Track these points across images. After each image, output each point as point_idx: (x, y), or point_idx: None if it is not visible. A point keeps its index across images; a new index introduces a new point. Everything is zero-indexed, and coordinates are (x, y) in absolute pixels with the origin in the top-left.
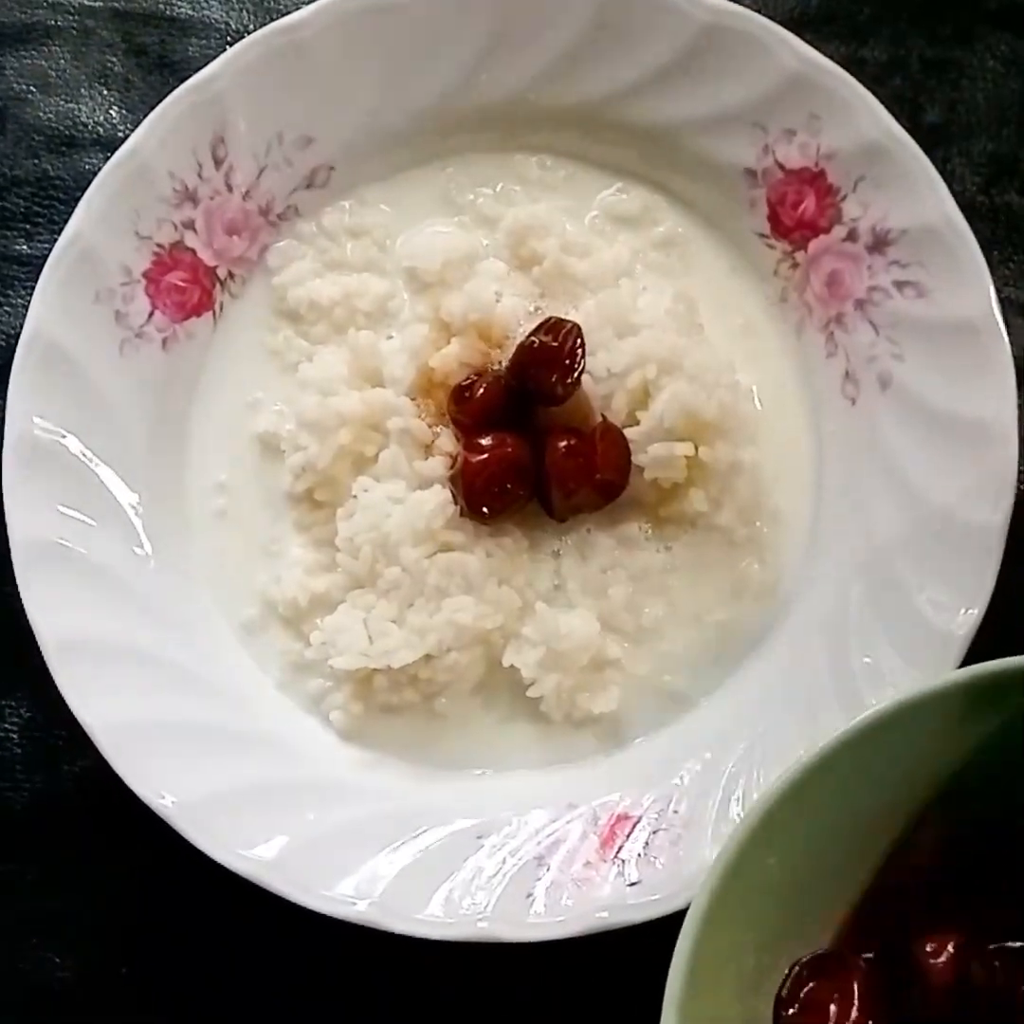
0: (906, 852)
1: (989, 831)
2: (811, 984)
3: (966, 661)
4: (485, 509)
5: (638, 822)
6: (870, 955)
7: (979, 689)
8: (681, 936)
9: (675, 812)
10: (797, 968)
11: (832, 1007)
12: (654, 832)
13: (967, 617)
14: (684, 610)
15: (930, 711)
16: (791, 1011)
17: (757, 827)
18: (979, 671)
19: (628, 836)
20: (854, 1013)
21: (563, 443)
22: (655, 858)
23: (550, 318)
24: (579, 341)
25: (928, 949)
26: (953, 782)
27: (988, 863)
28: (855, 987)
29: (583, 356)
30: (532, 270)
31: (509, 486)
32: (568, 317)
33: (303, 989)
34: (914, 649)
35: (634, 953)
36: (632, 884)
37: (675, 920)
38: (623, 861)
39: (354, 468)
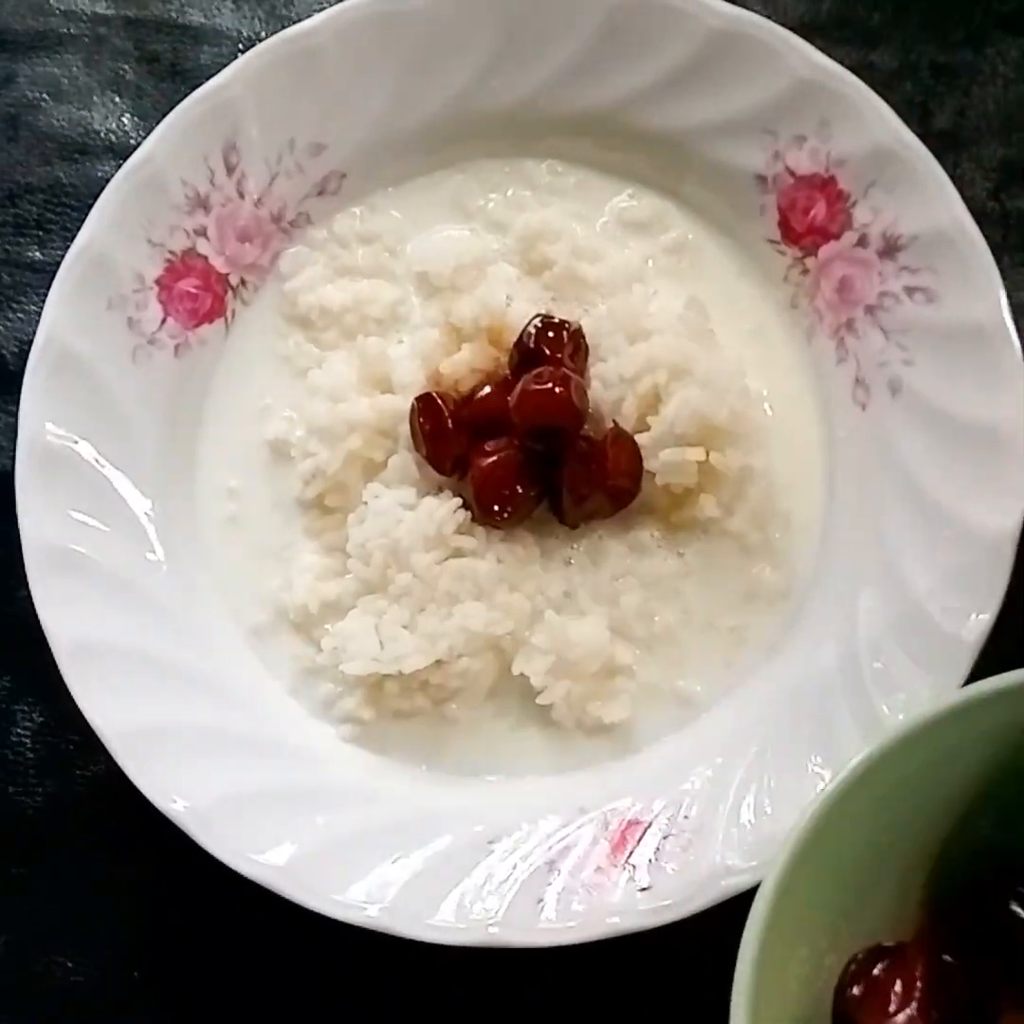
0: (968, 847)
1: None
2: (875, 969)
3: (977, 666)
4: (496, 511)
5: (649, 827)
6: (941, 950)
7: None
8: (745, 935)
9: (686, 817)
10: (860, 955)
11: (893, 993)
12: (665, 837)
13: (978, 622)
14: (696, 616)
15: (1001, 705)
16: (852, 992)
17: (822, 820)
18: None
19: (639, 841)
20: (917, 996)
21: (576, 448)
22: (666, 864)
23: (545, 320)
24: (579, 341)
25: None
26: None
27: None
28: (918, 976)
29: (585, 358)
30: (543, 275)
31: (519, 489)
32: (579, 321)
33: (314, 992)
34: (925, 654)
35: (643, 956)
36: (643, 889)
37: (684, 925)
38: (634, 866)
39: (364, 474)
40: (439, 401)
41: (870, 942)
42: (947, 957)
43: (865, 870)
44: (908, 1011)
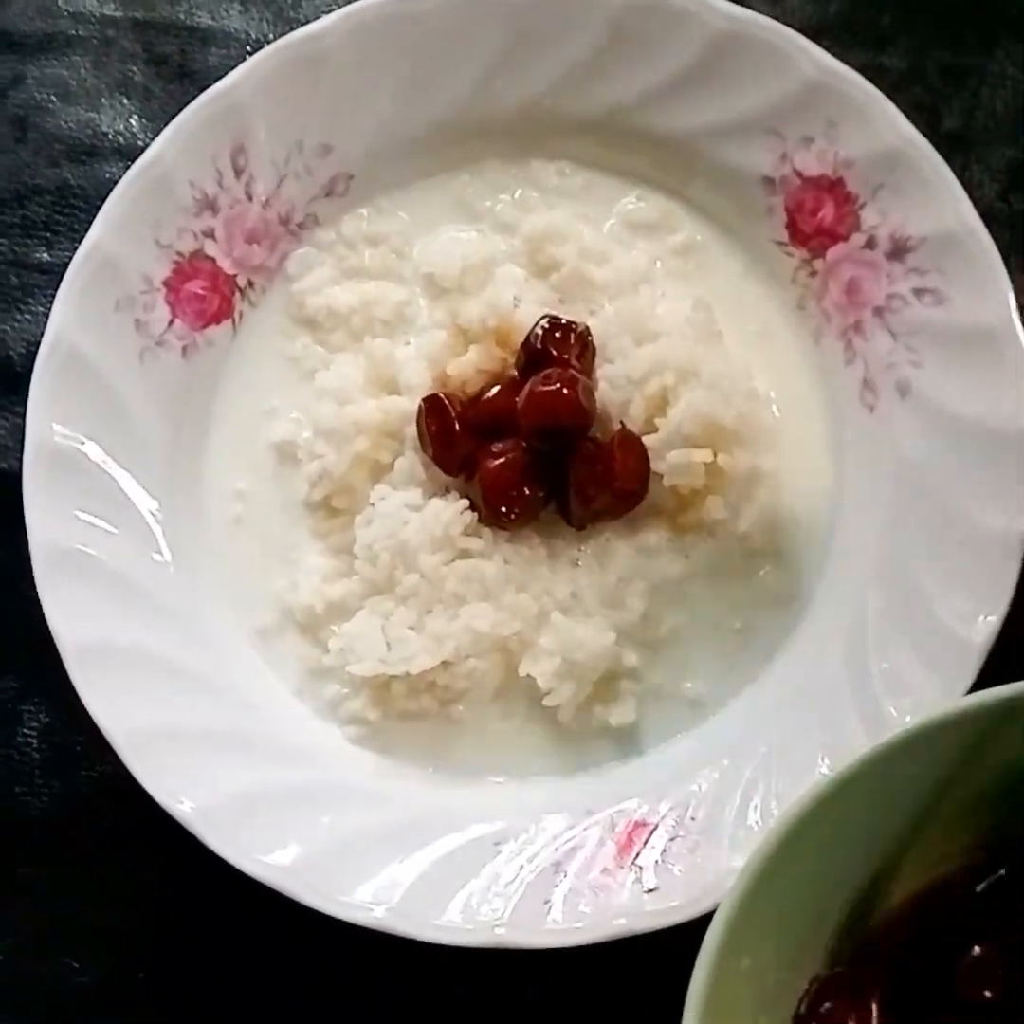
0: (933, 870)
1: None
2: (829, 1003)
3: (985, 668)
4: (504, 512)
5: (656, 829)
6: (891, 973)
7: (1007, 709)
8: (702, 950)
9: (692, 819)
10: (816, 986)
11: None
12: (672, 839)
13: (986, 624)
14: (703, 618)
15: (959, 728)
16: None
17: (782, 841)
18: (1007, 693)
19: (646, 843)
20: None
21: (583, 450)
22: (672, 865)
23: (552, 320)
24: (586, 341)
25: (961, 968)
26: (982, 798)
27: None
28: (874, 1007)
29: (593, 359)
30: (550, 276)
31: (527, 490)
32: (587, 323)
33: (318, 992)
34: (933, 656)
35: (644, 955)
36: (650, 891)
37: (688, 926)
38: (641, 868)
39: (371, 476)
40: (446, 402)
41: (825, 964)
42: (898, 983)
43: (824, 892)
44: None
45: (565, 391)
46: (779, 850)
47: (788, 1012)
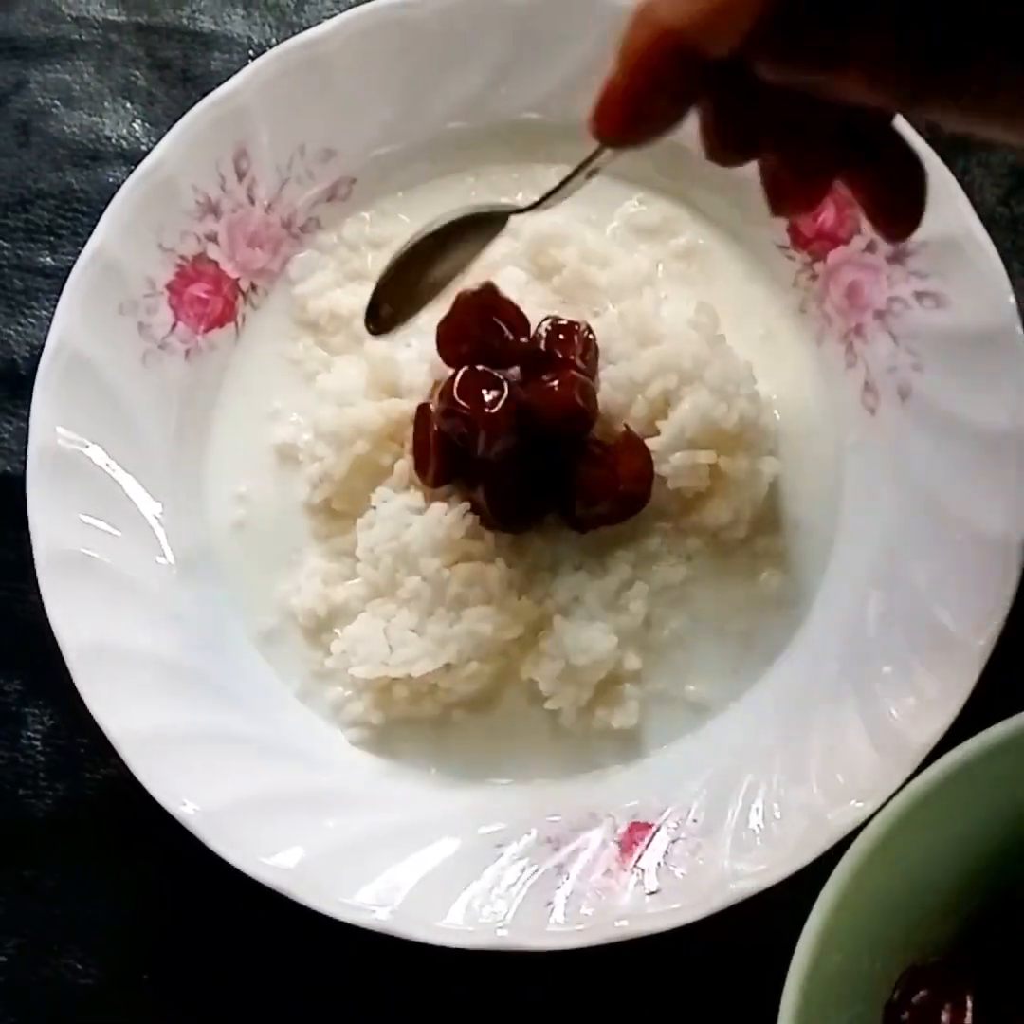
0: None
1: None
2: (923, 992)
3: (986, 671)
4: (509, 515)
5: (658, 831)
6: (986, 967)
7: None
8: (801, 941)
9: (694, 821)
10: (909, 975)
11: (944, 1017)
12: (673, 841)
13: (987, 627)
14: (705, 621)
15: None
16: (902, 1018)
17: (889, 829)
18: None
19: (648, 845)
20: (966, 1021)
21: (587, 453)
22: (674, 867)
23: (555, 322)
24: (589, 341)
25: None
26: None
27: None
28: (968, 999)
29: (596, 359)
30: (552, 279)
31: (531, 495)
32: (587, 322)
33: (321, 993)
34: (934, 659)
35: (645, 958)
36: (651, 893)
37: (689, 927)
38: (643, 870)
39: (372, 478)
40: (432, 413)
41: (919, 959)
42: (994, 974)
43: (917, 886)
44: None
45: (567, 391)
46: (876, 847)
47: (882, 1001)
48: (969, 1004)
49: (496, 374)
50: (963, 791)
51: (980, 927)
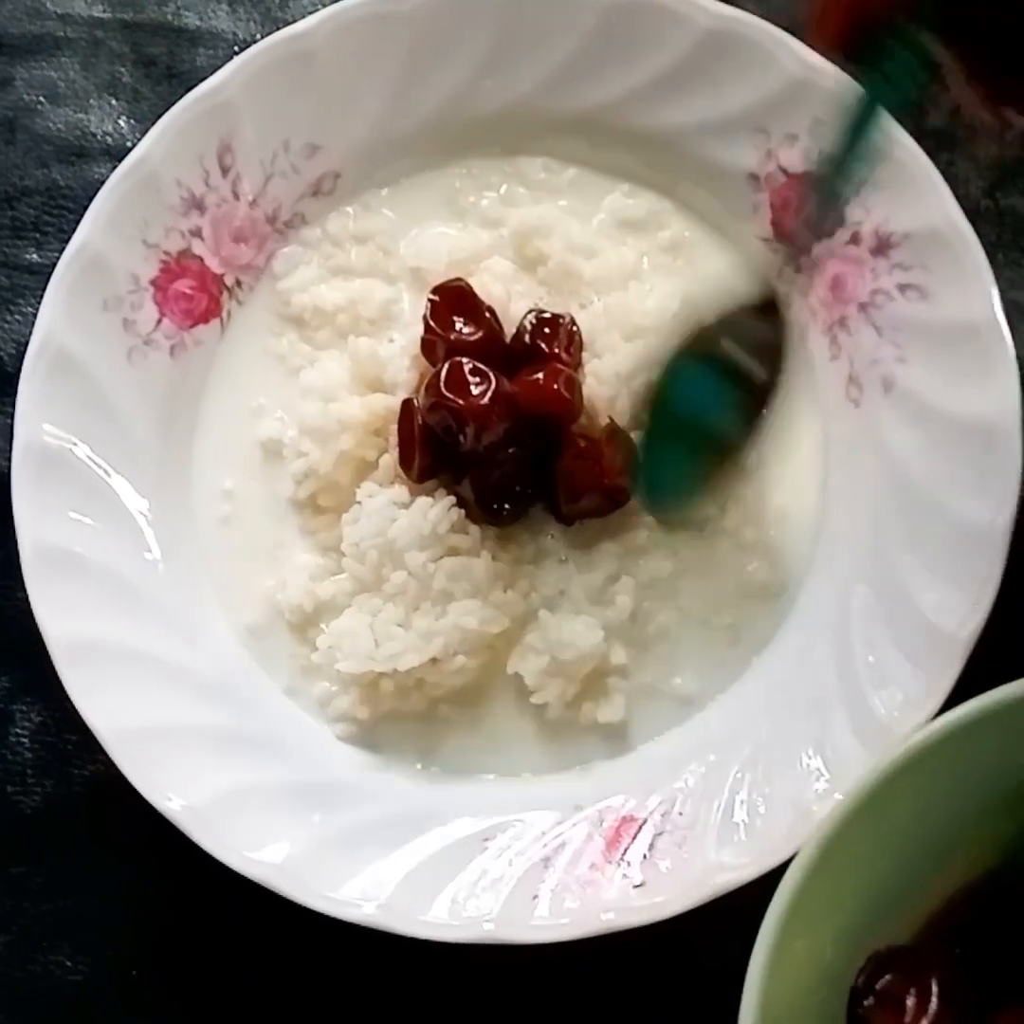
0: (995, 854)
1: None
2: (887, 977)
3: (970, 662)
4: (496, 508)
5: (643, 824)
6: (950, 953)
7: None
8: (765, 923)
9: (680, 814)
10: (874, 960)
11: (908, 1001)
12: (659, 834)
13: (971, 618)
14: (692, 614)
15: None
16: (866, 1003)
17: (851, 814)
18: None
19: (634, 838)
20: (932, 1009)
21: (572, 446)
22: (660, 860)
23: (539, 315)
24: (573, 333)
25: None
26: None
27: None
28: (933, 984)
29: (580, 351)
30: (537, 270)
31: (517, 489)
32: (573, 316)
33: (313, 989)
34: (918, 650)
35: (636, 953)
36: (637, 886)
37: (676, 921)
38: (628, 863)
39: (357, 473)
40: (416, 408)
41: (884, 942)
42: (957, 956)
43: (882, 870)
44: (924, 1021)
45: (550, 382)
46: (850, 818)
47: (846, 986)
48: (935, 989)
49: (482, 366)
50: (927, 774)
51: (945, 913)
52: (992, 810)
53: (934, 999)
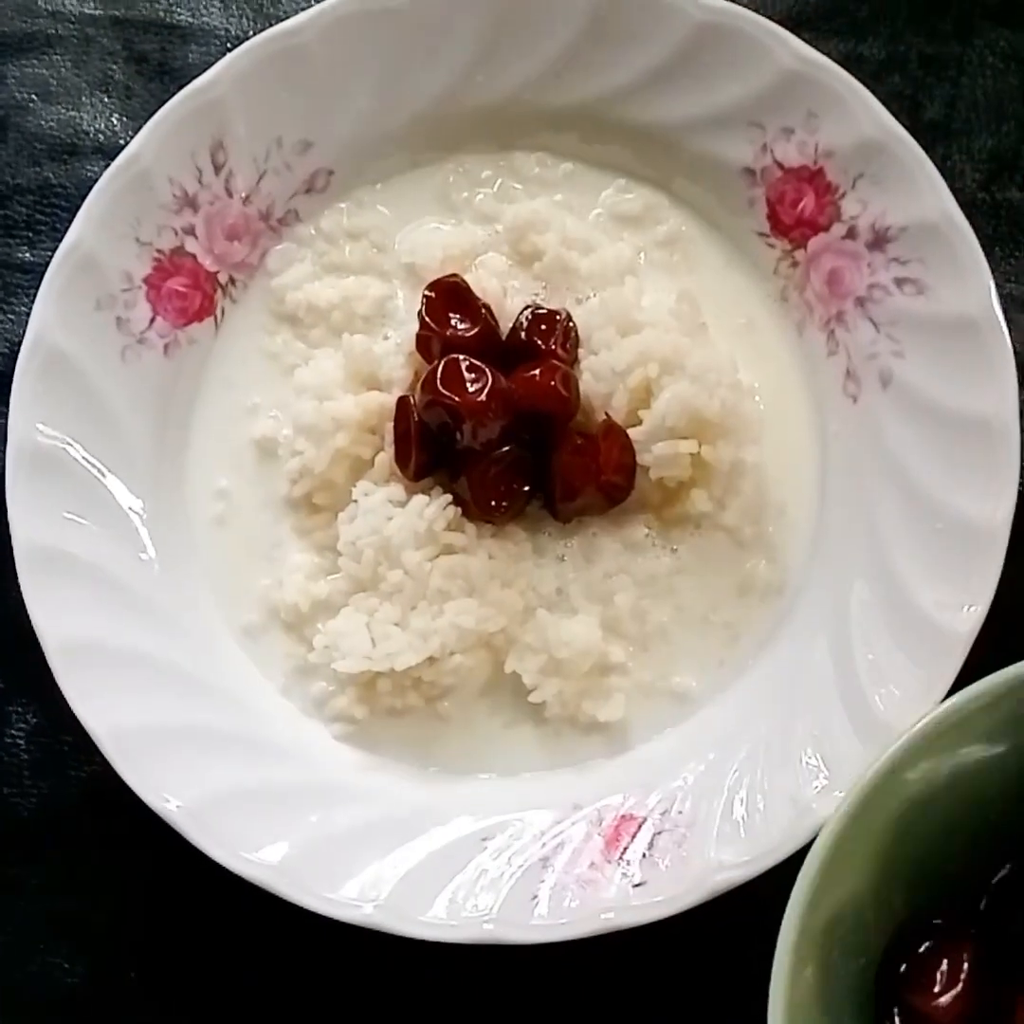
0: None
1: None
2: (921, 948)
3: (969, 659)
4: (493, 506)
5: (643, 823)
6: (982, 929)
7: None
8: (791, 901)
9: (679, 813)
10: (906, 934)
11: (939, 973)
12: (658, 833)
13: (970, 614)
14: (691, 612)
15: None
16: (899, 972)
17: (871, 792)
18: None
19: (633, 837)
20: (962, 981)
21: (569, 443)
22: (659, 859)
23: (535, 311)
24: (569, 329)
25: None
26: None
27: None
28: (964, 958)
29: (576, 347)
30: (533, 265)
31: (514, 486)
32: (571, 313)
33: (310, 989)
34: (917, 647)
35: (636, 951)
36: (637, 885)
37: (677, 920)
38: (628, 862)
39: (352, 472)
40: (412, 406)
41: (916, 918)
42: (991, 938)
43: (913, 845)
44: (954, 992)
45: (547, 380)
46: (871, 796)
47: (875, 962)
48: (965, 963)
49: (479, 363)
50: (948, 750)
51: (971, 894)
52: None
53: (964, 973)
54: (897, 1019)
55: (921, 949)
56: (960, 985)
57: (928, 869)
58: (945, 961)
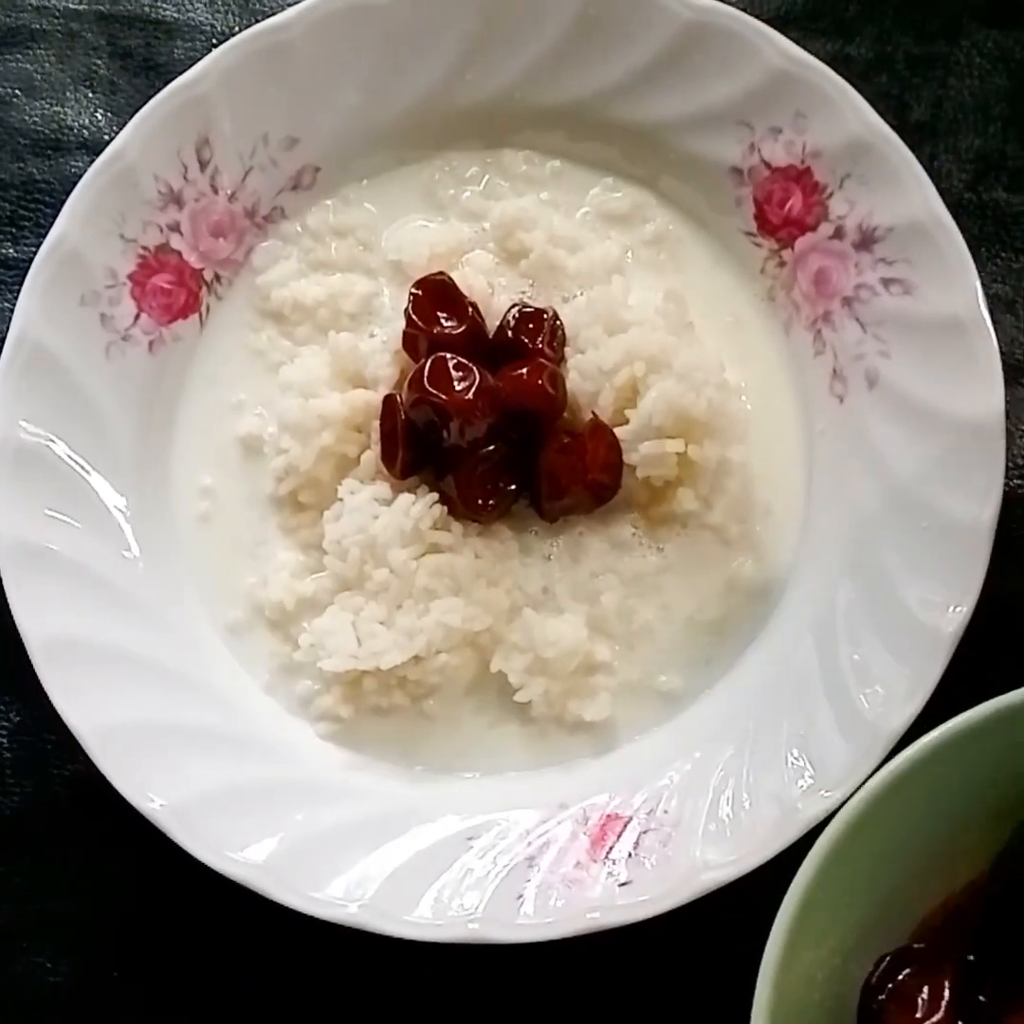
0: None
1: None
2: (902, 975)
3: (954, 659)
4: (480, 504)
5: (629, 822)
6: (961, 952)
7: None
8: (777, 921)
9: (665, 812)
10: (888, 959)
11: (920, 999)
12: (644, 832)
13: (956, 614)
14: (677, 611)
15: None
16: (880, 998)
17: (858, 816)
18: None
19: (619, 836)
20: (943, 1007)
21: (556, 442)
22: (645, 858)
23: (522, 309)
24: (556, 328)
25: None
26: None
27: None
28: (946, 983)
29: (563, 345)
30: (520, 263)
31: (500, 484)
32: (558, 311)
33: (295, 989)
34: (903, 647)
35: (624, 951)
36: (622, 884)
37: (663, 920)
38: (614, 861)
39: (337, 470)
40: (398, 404)
41: (895, 944)
42: (970, 958)
43: (892, 871)
44: (936, 1018)
45: (534, 378)
46: (857, 821)
47: (858, 983)
48: (947, 988)
49: (466, 361)
50: (937, 776)
51: (952, 915)
52: (994, 814)
53: (946, 998)
54: None
55: (901, 976)
56: (941, 1012)
57: (909, 892)
58: (926, 988)
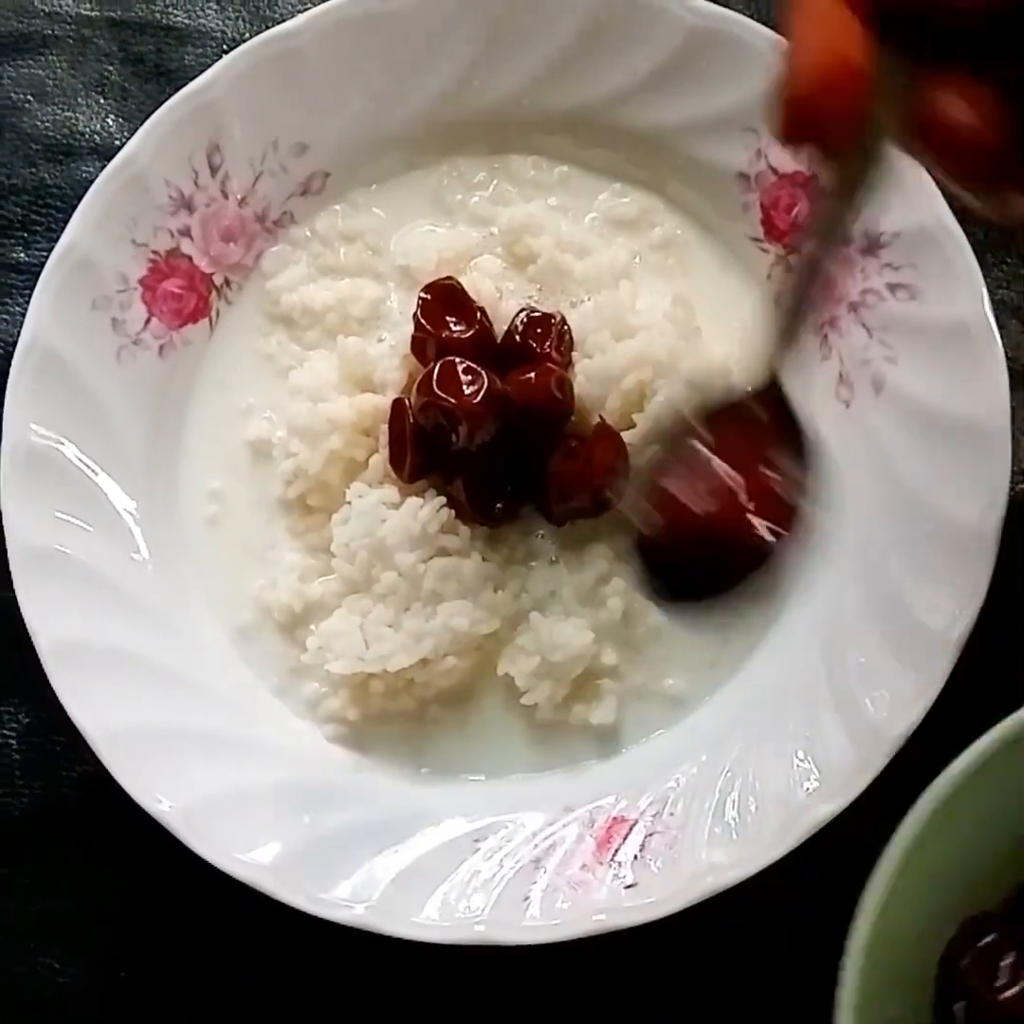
0: None
1: None
2: (986, 939)
3: (960, 662)
4: (487, 508)
5: (634, 825)
6: None
7: None
8: (867, 897)
9: (671, 814)
10: (971, 923)
11: (1004, 964)
12: (650, 835)
13: (961, 619)
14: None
15: None
16: (963, 962)
17: (966, 775)
18: None
19: (625, 839)
20: None
21: (563, 446)
22: (651, 861)
23: (530, 314)
24: (563, 332)
25: None
26: None
27: None
28: None
29: (571, 349)
30: (528, 268)
31: (508, 488)
32: (565, 316)
33: (302, 990)
34: (908, 651)
35: (630, 953)
36: (628, 887)
37: (669, 922)
38: (620, 864)
39: (346, 474)
40: (407, 408)
41: (980, 909)
42: None
43: (989, 837)
44: (1020, 986)
45: (543, 383)
46: (937, 810)
47: (937, 949)
48: None
49: (475, 366)
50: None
51: None
52: None
53: None
54: (963, 1012)
55: (986, 940)
56: None
57: (1001, 861)
58: (1011, 953)
